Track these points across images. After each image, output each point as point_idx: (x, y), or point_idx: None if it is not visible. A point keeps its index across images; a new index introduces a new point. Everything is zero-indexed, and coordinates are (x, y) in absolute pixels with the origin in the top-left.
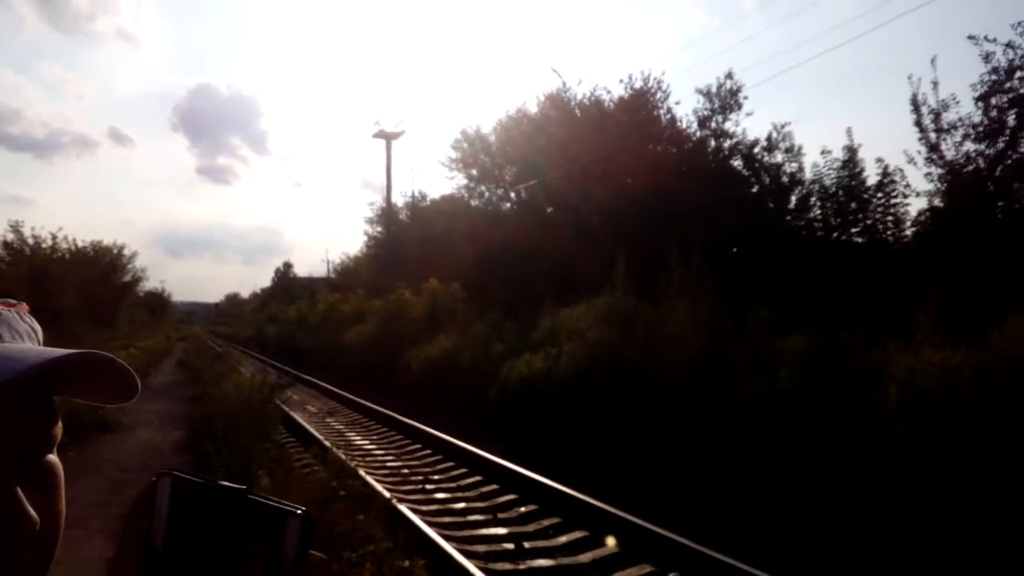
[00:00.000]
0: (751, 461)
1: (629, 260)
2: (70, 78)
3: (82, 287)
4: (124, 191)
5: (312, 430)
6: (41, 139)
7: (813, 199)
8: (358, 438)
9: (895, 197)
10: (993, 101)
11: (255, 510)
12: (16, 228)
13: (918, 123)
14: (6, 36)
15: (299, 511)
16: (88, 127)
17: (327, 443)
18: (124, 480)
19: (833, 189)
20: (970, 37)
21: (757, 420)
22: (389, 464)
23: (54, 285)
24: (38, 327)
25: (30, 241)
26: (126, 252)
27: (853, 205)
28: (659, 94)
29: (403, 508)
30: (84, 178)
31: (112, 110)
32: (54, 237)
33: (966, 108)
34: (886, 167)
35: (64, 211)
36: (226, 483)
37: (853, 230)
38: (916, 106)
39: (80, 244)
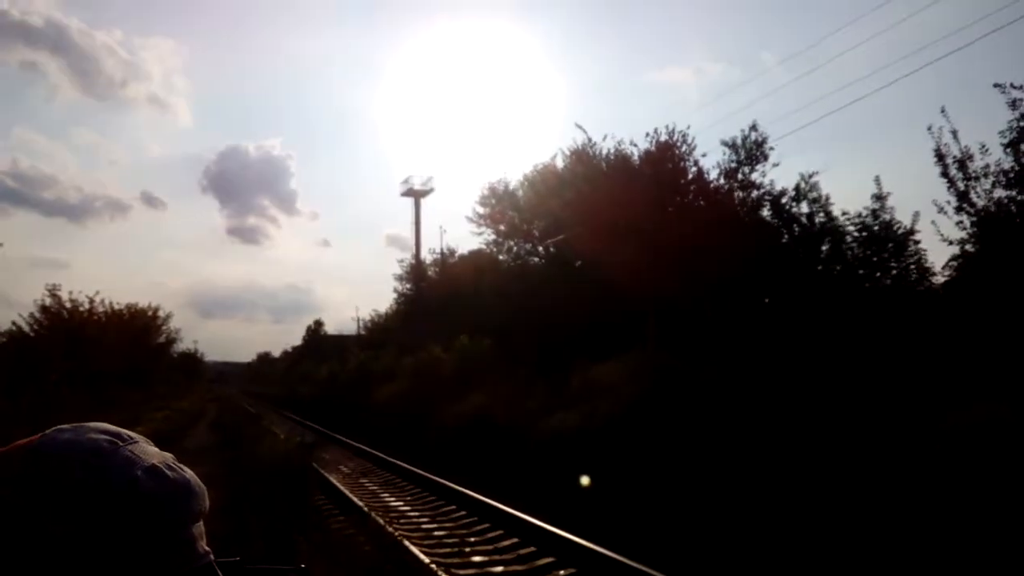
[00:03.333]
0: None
1: (660, 314)
2: (103, 143)
3: (119, 349)
4: (157, 253)
5: (348, 493)
6: (75, 204)
7: (844, 247)
8: (392, 499)
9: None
10: (1023, 147)
11: None
12: (54, 292)
13: (944, 173)
14: (41, 105)
15: (298, 569)
16: (121, 191)
17: (366, 508)
18: None
19: (863, 238)
20: (996, 85)
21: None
22: (424, 527)
23: (91, 348)
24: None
25: (68, 305)
26: (161, 314)
27: (884, 254)
28: (684, 147)
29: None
30: (117, 241)
31: (144, 174)
32: (91, 300)
33: (995, 155)
34: (916, 214)
35: (98, 274)
36: (220, 559)
37: (885, 279)
38: (940, 156)
39: (116, 307)
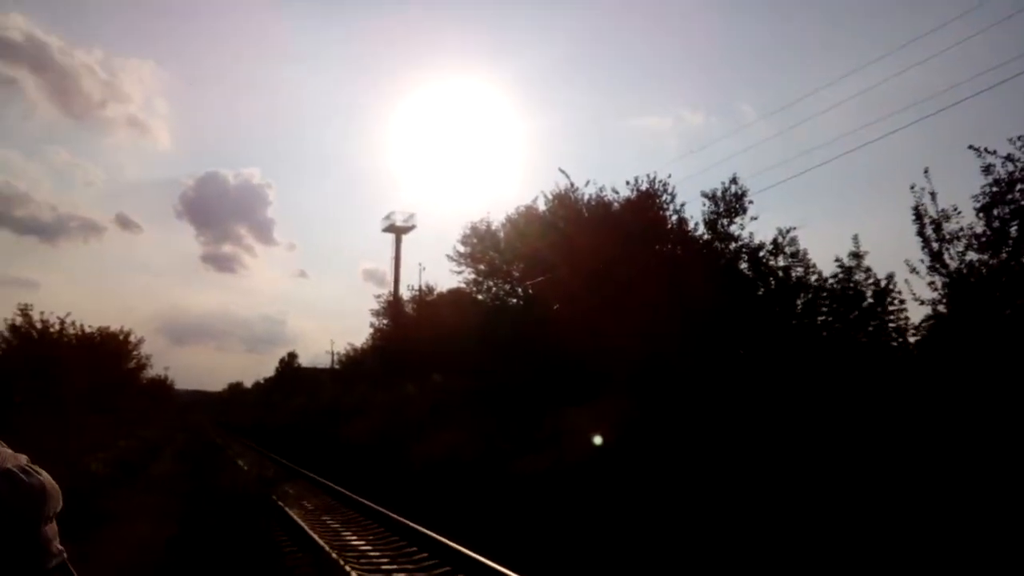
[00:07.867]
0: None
1: (633, 362)
2: (79, 163)
3: (87, 373)
4: (130, 278)
5: (308, 530)
6: (48, 223)
7: (820, 303)
8: (355, 538)
9: (896, 305)
10: (995, 212)
11: None
12: (25, 312)
13: (920, 232)
14: (17, 122)
15: None
16: (96, 212)
17: (326, 547)
18: None
19: (839, 294)
20: (971, 148)
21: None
22: (383, 568)
23: (59, 370)
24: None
25: (38, 325)
26: (132, 339)
27: (859, 312)
28: (665, 196)
29: None
30: (90, 263)
31: (120, 196)
32: (62, 322)
33: (969, 218)
34: (890, 275)
35: (69, 295)
36: None
37: (860, 336)
38: (919, 216)
39: (87, 329)
